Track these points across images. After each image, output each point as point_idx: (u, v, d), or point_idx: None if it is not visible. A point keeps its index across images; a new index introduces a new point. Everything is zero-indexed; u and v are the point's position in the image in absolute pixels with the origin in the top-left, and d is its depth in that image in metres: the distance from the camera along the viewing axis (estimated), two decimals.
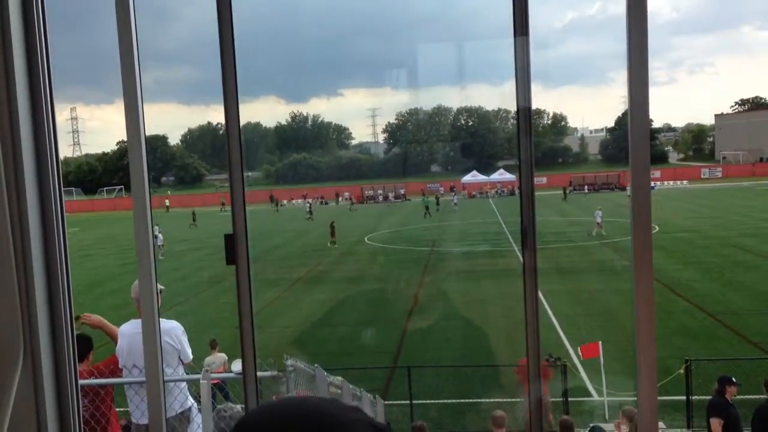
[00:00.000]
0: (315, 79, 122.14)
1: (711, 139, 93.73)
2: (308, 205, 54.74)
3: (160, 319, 2.66)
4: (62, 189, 2.26)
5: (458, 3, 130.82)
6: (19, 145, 2.09)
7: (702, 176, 71.28)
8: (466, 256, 30.50)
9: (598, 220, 32.86)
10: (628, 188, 2.35)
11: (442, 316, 19.33)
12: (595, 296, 20.30)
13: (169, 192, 75.82)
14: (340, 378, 8.71)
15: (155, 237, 33.47)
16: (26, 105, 2.15)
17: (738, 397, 9.32)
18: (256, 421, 1.03)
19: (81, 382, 2.49)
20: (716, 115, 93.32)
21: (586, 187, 60.46)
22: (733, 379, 9.02)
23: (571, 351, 15.00)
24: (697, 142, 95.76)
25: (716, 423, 8.60)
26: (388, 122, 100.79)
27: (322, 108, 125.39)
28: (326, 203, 66.21)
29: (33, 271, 2.11)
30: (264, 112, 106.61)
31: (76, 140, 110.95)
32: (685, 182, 67.03)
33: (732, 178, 67.81)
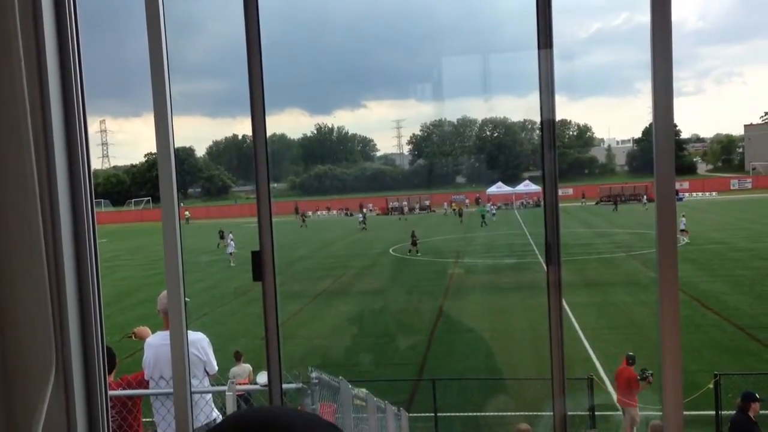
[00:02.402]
0: (338, 91, 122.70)
1: (740, 150, 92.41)
2: (362, 216, 54.77)
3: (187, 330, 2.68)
4: (94, 201, 2.30)
5: (481, 14, 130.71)
6: (52, 157, 2.14)
7: (731, 187, 70.26)
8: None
9: (682, 227, 32.97)
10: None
11: (475, 328, 19.27)
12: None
13: (182, 204, 76.03)
14: (364, 390, 8.69)
15: (227, 244, 33.59)
16: (60, 117, 2.19)
17: (763, 412, 9.18)
18: None
19: (111, 393, 2.52)
20: (745, 126, 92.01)
21: (644, 196, 58.83)
22: (757, 396, 8.89)
23: (598, 364, 14.89)
24: (726, 153, 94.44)
25: None
26: (413, 134, 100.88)
27: (346, 120, 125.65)
28: (351, 215, 66.35)
29: (65, 283, 2.15)
30: (288, 124, 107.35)
31: (105, 152, 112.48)
32: (714, 193, 66.12)
33: (762, 189, 66.65)
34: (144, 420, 5.64)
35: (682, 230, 32.91)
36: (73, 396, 2.15)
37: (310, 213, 67.89)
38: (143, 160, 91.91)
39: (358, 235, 46.19)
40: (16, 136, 2.05)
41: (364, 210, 60.67)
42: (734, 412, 9.28)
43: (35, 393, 2.06)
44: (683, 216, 33.35)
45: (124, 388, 5.33)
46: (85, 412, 2.21)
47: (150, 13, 2.46)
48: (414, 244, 33.73)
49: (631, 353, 12.57)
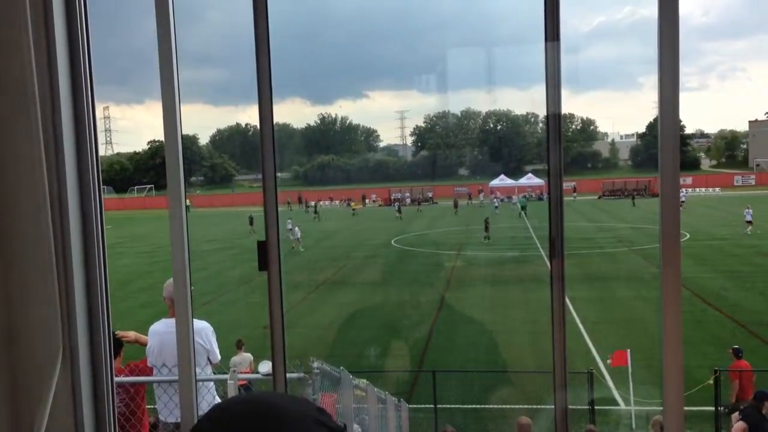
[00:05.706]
0: (340, 80, 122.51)
1: (744, 146, 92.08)
2: (397, 205, 55.81)
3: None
4: (101, 187, 2.31)
5: (484, 6, 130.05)
6: (61, 144, 2.15)
7: (735, 183, 70.09)
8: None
9: (749, 218, 33.53)
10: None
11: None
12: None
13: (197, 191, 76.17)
14: (365, 381, 8.72)
15: (291, 230, 33.44)
16: (68, 104, 2.20)
17: None
18: (207, 425, 1.02)
19: (116, 379, 2.54)
20: (750, 122, 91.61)
21: (684, 189, 58.11)
22: None
23: (598, 359, 14.92)
24: (730, 149, 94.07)
25: (741, 426, 8.51)
26: (416, 125, 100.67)
27: (348, 109, 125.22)
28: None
29: (73, 270, 2.16)
30: (289, 113, 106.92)
31: (108, 139, 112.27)
32: (717, 189, 65.96)
33: (766, 186, 66.50)
34: (147, 407, 5.67)
35: (748, 221, 33.45)
36: (80, 380, 2.17)
37: (312, 203, 67.86)
38: (146, 147, 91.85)
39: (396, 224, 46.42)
40: (26, 123, 2.06)
41: (395, 202, 61.15)
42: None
43: (42, 376, 2.08)
44: (749, 207, 33.97)
45: (135, 374, 5.37)
46: (91, 395, 2.23)
47: (159, 1, 2.46)
48: (486, 229, 35.61)
49: (735, 346, 12.29)
